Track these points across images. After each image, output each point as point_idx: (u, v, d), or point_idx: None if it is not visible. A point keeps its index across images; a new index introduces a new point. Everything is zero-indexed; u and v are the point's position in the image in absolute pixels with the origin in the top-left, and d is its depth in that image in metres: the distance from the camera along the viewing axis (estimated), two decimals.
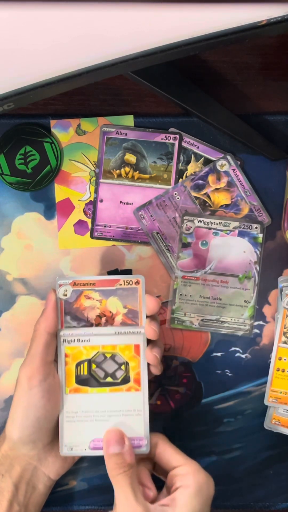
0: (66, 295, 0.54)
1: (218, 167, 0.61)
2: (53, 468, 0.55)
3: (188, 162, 0.61)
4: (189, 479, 0.51)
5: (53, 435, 0.55)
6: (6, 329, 0.61)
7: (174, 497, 0.51)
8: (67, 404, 0.54)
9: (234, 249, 0.60)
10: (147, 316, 0.54)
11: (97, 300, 0.54)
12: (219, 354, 0.61)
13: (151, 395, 0.61)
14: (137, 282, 0.54)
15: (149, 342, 0.54)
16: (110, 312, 0.54)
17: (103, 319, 0.54)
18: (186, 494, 0.50)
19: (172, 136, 0.61)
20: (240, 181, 0.61)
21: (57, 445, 0.55)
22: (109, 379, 0.54)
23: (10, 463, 0.54)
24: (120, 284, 0.54)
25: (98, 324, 0.54)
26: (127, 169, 0.61)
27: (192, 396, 0.62)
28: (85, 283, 0.54)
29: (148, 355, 0.54)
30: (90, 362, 0.54)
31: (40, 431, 0.53)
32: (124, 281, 0.54)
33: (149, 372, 0.55)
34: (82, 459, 0.59)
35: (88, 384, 0.54)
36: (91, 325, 0.54)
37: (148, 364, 0.54)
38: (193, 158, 0.61)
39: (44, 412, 0.52)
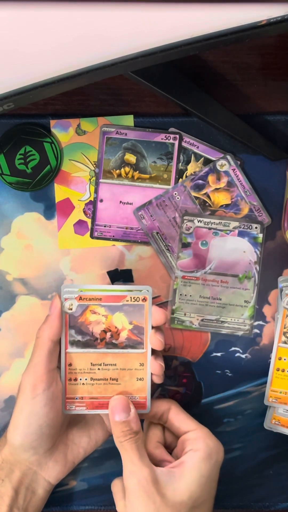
0: (71, 309, 0.54)
1: (218, 167, 0.61)
2: (52, 473, 0.55)
3: (188, 162, 0.61)
4: (199, 443, 0.51)
5: (54, 441, 0.55)
6: (6, 329, 0.61)
7: (182, 460, 0.51)
8: None
9: (234, 249, 0.60)
10: (152, 327, 0.54)
11: (102, 315, 0.54)
12: (219, 354, 0.61)
13: (151, 395, 0.61)
14: (144, 299, 0.54)
15: (153, 352, 0.54)
16: (116, 327, 0.54)
17: (108, 334, 0.54)
18: (195, 457, 0.51)
19: (172, 136, 0.61)
20: (240, 181, 0.61)
21: (58, 449, 0.55)
22: None
23: (10, 468, 0.54)
24: (127, 300, 0.54)
25: (103, 339, 0.54)
26: (127, 169, 0.61)
27: (192, 396, 0.62)
28: (91, 298, 0.54)
29: (153, 365, 0.54)
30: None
31: (41, 437, 0.53)
32: (131, 297, 0.54)
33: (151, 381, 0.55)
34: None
35: None
36: (95, 339, 0.54)
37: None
38: (193, 158, 0.61)
39: (46, 420, 0.52)
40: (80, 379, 0.54)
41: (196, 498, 0.50)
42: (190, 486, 0.50)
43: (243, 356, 0.61)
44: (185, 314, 0.61)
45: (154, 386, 0.61)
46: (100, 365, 0.54)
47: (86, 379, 0.54)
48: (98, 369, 0.54)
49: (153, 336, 0.53)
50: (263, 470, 0.61)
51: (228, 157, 0.61)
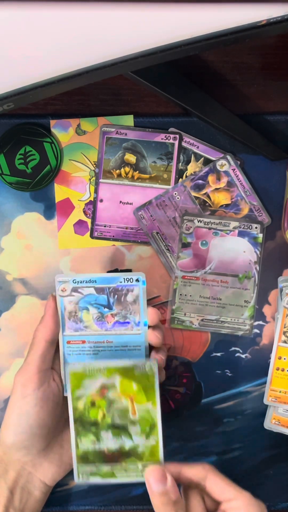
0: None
1: (218, 167, 0.61)
2: (48, 474, 0.55)
3: (188, 162, 0.61)
4: None
5: (48, 441, 0.54)
6: (6, 329, 0.61)
7: None
8: None
9: (234, 249, 0.60)
10: (149, 326, 0.54)
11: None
12: (219, 354, 0.61)
13: None
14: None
15: (153, 347, 0.54)
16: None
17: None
18: None
19: (172, 136, 0.61)
20: (240, 181, 0.61)
21: (53, 451, 0.55)
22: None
23: (4, 468, 0.54)
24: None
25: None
26: (127, 169, 0.61)
27: (192, 396, 0.62)
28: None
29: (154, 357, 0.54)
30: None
31: (33, 437, 0.53)
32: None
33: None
34: None
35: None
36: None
37: None
38: (193, 158, 0.61)
39: (37, 420, 0.52)
40: None
41: None
42: None
43: (243, 356, 0.61)
44: (185, 314, 0.61)
45: None
46: None
47: None
48: None
49: (151, 333, 0.54)
50: (263, 470, 0.61)
51: (228, 157, 0.61)
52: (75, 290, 0.54)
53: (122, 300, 0.54)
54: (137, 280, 0.54)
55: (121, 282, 0.54)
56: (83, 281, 0.54)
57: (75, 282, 0.54)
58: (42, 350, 0.52)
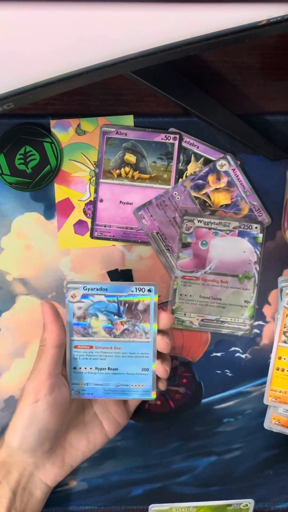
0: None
1: (218, 167, 0.61)
2: (50, 474, 0.55)
3: (188, 162, 0.61)
4: None
5: (53, 443, 0.54)
6: (6, 329, 0.61)
7: None
8: None
9: (234, 249, 0.60)
10: (158, 331, 0.54)
11: None
12: (219, 354, 0.61)
13: None
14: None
15: (159, 355, 0.54)
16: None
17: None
18: None
19: (172, 136, 0.61)
20: (240, 181, 0.61)
21: (55, 452, 0.55)
22: None
23: (7, 469, 0.54)
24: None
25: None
26: (127, 169, 0.61)
27: (192, 396, 0.62)
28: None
29: (158, 369, 0.54)
30: None
31: (39, 440, 0.53)
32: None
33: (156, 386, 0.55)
34: None
35: None
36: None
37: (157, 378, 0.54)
38: (193, 158, 0.61)
39: (46, 424, 0.52)
40: None
41: None
42: None
43: (243, 356, 0.61)
44: (185, 314, 0.61)
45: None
46: None
47: None
48: None
49: (160, 339, 0.53)
50: (263, 470, 0.61)
51: (228, 157, 0.61)
52: (85, 296, 0.54)
53: (133, 308, 0.54)
54: (149, 291, 0.53)
55: (132, 291, 0.53)
56: (94, 288, 0.53)
57: (86, 289, 0.53)
58: (52, 355, 0.52)
